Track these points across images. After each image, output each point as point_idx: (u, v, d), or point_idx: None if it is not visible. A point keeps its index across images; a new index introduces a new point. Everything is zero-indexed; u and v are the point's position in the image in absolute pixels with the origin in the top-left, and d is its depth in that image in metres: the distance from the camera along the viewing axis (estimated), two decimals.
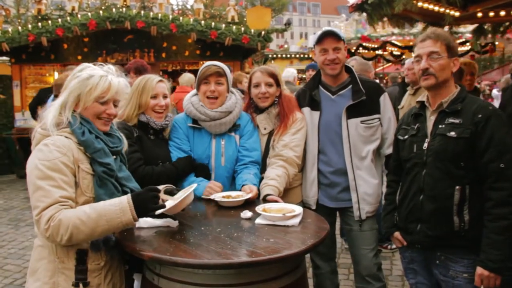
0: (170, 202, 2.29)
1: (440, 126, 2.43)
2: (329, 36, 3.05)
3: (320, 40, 3.08)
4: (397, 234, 2.70)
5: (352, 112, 3.07)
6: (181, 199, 2.22)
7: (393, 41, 13.45)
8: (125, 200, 2.01)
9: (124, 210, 1.98)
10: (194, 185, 2.43)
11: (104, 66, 2.22)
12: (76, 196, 2.04)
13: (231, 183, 3.04)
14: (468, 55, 13.16)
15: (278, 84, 3.17)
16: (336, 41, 3.04)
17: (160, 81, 2.96)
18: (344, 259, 5.07)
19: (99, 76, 2.14)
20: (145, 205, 2.04)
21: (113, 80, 2.17)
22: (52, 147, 2.01)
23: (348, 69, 3.21)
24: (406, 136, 2.61)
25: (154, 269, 2.12)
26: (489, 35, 7.43)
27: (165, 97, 2.96)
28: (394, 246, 5.21)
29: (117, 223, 1.98)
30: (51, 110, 2.14)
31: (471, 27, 8.24)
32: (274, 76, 3.15)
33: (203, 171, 3.00)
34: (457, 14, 5.97)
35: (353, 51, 14.27)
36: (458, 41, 11.45)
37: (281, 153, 3.03)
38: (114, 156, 2.22)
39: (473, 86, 5.23)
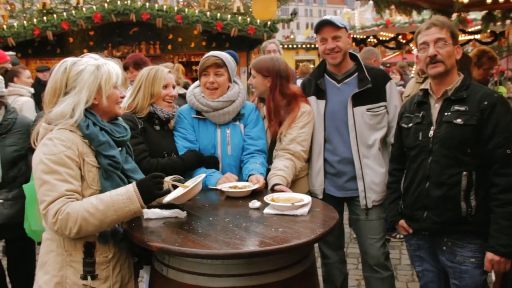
0: (179, 190, 2.28)
1: (446, 113, 2.44)
2: (326, 25, 3.01)
3: (318, 29, 3.05)
4: (402, 222, 2.70)
5: (358, 100, 3.03)
6: (189, 188, 2.21)
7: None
8: (131, 189, 2.01)
9: (132, 199, 1.98)
10: (203, 175, 2.41)
11: (88, 56, 2.19)
12: (82, 189, 2.03)
13: (238, 173, 3.02)
14: (470, 43, 12.97)
15: (264, 76, 3.14)
16: (334, 29, 2.99)
17: (169, 71, 2.97)
18: (353, 248, 5.06)
19: (103, 64, 2.15)
20: (151, 191, 2.04)
21: (115, 65, 2.19)
22: (56, 141, 2.00)
23: (354, 57, 3.17)
24: (410, 124, 2.61)
25: (163, 260, 2.11)
26: (499, 22, 7.31)
27: (174, 87, 2.96)
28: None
29: (125, 212, 1.98)
30: (67, 108, 2.06)
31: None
32: (256, 67, 3.15)
33: (212, 163, 2.99)
34: (466, 0, 5.88)
35: (360, 39, 13.99)
36: (471, 29, 11.27)
37: (288, 147, 3.01)
38: (120, 148, 2.21)
39: (487, 77, 5.19)
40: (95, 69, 2.11)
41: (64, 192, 1.93)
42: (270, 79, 3.11)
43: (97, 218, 1.93)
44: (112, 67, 2.16)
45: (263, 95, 3.17)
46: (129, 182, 2.17)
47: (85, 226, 1.93)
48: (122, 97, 2.22)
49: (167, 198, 2.24)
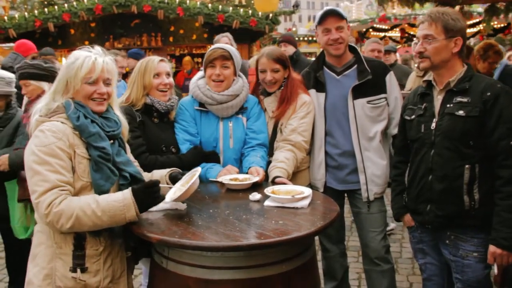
0: (176, 193, 2.24)
1: (448, 105, 2.42)
2: (330, 15, 2.98)
3: (322, 20, 3.01)
4: (407, 216, 2.70)
5: (358, 92, 3.01)
6: (186, 189, 2.17)
7: (411, 22, 13.00)
8: (128, 196, 2.00)
9: (128, 206, 1.98)
10: (199, 170, 2.36)
11: (91, 49, 2.19)
12: (73, 181, 2.03)
13: (239, 166, 3.01)
14: (477, 36, 12.93)
15: (285, 66, 3.12)
16: (338, 20, 2.97)
17: (161, 60, 2.93)
18: (354, 241, 5.06)
19: (83, 58, 2.12)
20: (146, 202, 2.04)
21: (97, 59, 2.14)
22: (47, 132, 2.00)
23: (353, 49, 3.15)
24: (413, 116, 2.59)
25: (163, 252, 2.11)
26: (502, 15, 7.28)
27: (167, 75, 2.93)
28: (388, 228, 5.23)
29: (121, 219, 1.99)
30: (43, 99, 2.17)
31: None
32: (280, 60, 3.08)
33: (213, 159, 2.97)
34: None
35: (362, 32, 14.01)
36: (469, 22, 11.24)
37: (289, 138, 3.00)
38: (111, 141, 2.20)
39: (492, 71, 5.17)
40: (72, 62, 2.12)
41: (57, 182, 1.93)
42: (288, 69, 3.14)
43: (91, 220, 1.94)
44: (89, 61, 2.11)
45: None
46: (122, 175, 2.17)
47: (78, 225, 1.94)
48: (100, 94, 2.15)
49: (166, 199, 2.22)
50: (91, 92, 2.13)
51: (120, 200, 1.98)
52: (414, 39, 2.61)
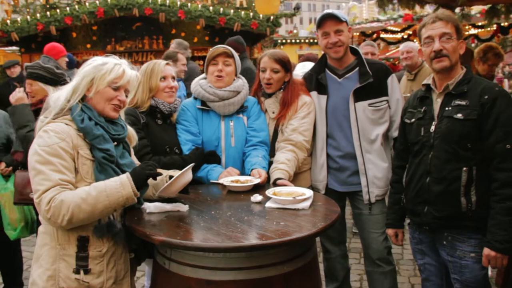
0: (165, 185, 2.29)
1: (447, 108, 2.43)
2: (329, 18, 2.99)
3: (320, 23, 3.02)
4: (391, 232, 2.84)
5: (360, 95, 3.02)
6: (176, 177, 2.22)
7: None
8: (124, 176, 2.06)
9: (124, 184, 2.02)
10: (191, 165, 2.41)
11: (117, 57, 2.26)
12: (76, 181, 2.05)
13: (241, 165, 3.04)
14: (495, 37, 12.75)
15: (287, 69, 3.14)
16: (337, 23, 2.98)
17: (167, 64, 2.99)
18: (355, 243, 5.07)
19: (113, 63, 2.19)
20: (142, 173, 2.09)
21: (126, 69, 2.22)
22: (51, 133, 2.04)
23: (355, 51, 3.16)
24: (413, 120, 2.61)
25: (165, 253, 2.12)
26: (502, 16, 7.27)
27: (173, 79, 2.98)
28: None
29: (117, 198, 2.01)
30: (63, 93, 2.17)
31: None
32: (281, 62, 3.10)
33: (213, 161, 3.00)
34: None
35: (373, 36, 13.64)
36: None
37: (290, 138, 3.01)
38: (115, 143, 2.22)
39: (492, 73, 5.17)
40: (101, 63, 2.17)
41: (59, 181, 1.96)
42: (289, 73, 3.16)
43: (89, 203, 1.95)
44: (119, 68, 2.18)
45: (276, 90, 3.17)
46: None
47: (77, 213, 1.94)
48: (121, 101, 2.20)
49: (158, 192, 2.26)
50: (113, 96, 2.18)
51: (117, 180, 2.04)
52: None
